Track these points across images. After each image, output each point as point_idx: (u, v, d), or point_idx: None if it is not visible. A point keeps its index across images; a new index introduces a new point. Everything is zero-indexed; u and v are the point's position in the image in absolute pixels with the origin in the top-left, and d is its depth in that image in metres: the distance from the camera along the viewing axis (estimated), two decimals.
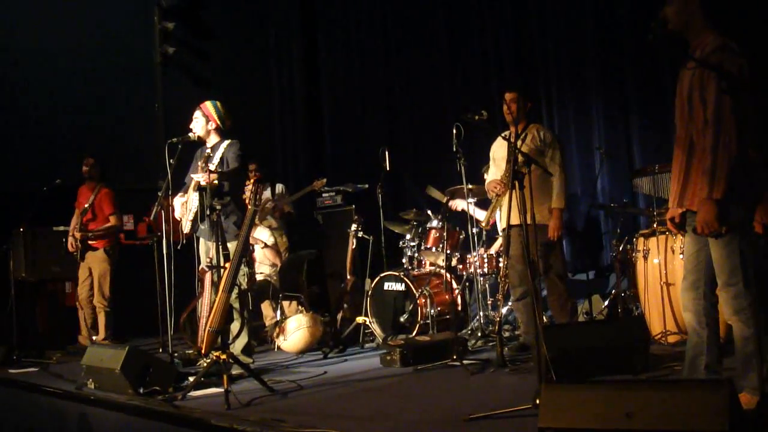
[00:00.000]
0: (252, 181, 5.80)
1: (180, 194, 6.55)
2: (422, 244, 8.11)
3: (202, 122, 6.59)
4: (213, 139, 6.62)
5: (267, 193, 9.10)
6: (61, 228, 8.55)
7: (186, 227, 6.45)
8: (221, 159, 6.45)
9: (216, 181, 5.99)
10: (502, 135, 6.09)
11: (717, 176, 3.80)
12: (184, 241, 6.48)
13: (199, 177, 6.09)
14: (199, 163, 6.27)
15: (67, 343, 8.35)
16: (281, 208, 8.94)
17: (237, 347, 6.24)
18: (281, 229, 9.00)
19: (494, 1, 9.96)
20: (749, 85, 3.84)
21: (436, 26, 10.58)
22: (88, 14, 10.25)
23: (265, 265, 8.30)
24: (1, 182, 9.23)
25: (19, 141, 9.51)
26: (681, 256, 6.01)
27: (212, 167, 6.34)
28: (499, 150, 6.64)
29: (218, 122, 6.58)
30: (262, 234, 8.38)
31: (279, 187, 9.36)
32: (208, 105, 6.62)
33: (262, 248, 8.26)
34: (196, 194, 6.17)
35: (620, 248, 7.16)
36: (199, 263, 6.58)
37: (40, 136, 9.61)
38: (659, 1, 4.11)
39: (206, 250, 6.48)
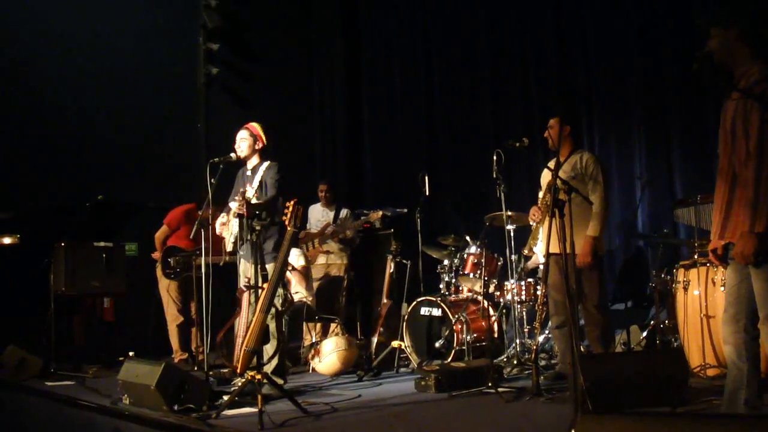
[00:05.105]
0: (293, 202, 5.81)
1: (222, 214, 6.61)
2: (460, 269, 8.06)
3: (249, 142, 6.64)
4: (255, 159, 6.69)
5: (329, 217, 9.12)
6: (102, 244, 8.61)
7: (229, 246, 6.51)
8: (261, 182, 6.52)
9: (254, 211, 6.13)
10: (549, 164, 6.05)
11: (759, 209, 3.76)
12: (227, 258, 6.50)
13: (234, 206, 6.18)
14: (237, 197, 6.27)
15: (104, 358, 8.39)
16: (342, 233, 8.94)
17: (270, 368, 6.24)
18: (343, 251, 9.03)
19: (537, 29, 9.98)
20: None
21: (479, 52, 10.61)
22: (133, 35, 10.39)
23: (301, 286, 8.30)
24: (44, 197, 9.35)
25: (62, 158, 9.61)
26: (722, 288, 5.93)
27: (252, 190, 6.45)
28: (544, 177, 6.58)
29: (265, 142, 6.66)
30: (290, 257, 8.34)
31: (344, 212, 9.25)
32: (256, 125, 6.69)
33: (290, 271, 8.11)
34: (236, 219, 6.27)
35: (660, 279, 7.08)
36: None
37: (83, 153, 9.72)
38: (704, 30, 4.09)
39: (245, 270, 6.51)
